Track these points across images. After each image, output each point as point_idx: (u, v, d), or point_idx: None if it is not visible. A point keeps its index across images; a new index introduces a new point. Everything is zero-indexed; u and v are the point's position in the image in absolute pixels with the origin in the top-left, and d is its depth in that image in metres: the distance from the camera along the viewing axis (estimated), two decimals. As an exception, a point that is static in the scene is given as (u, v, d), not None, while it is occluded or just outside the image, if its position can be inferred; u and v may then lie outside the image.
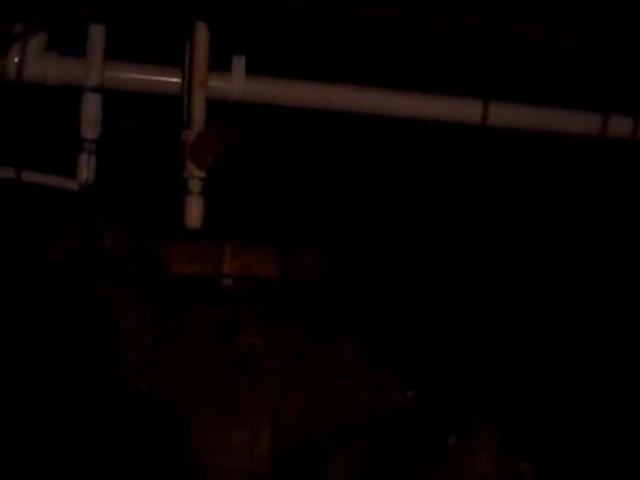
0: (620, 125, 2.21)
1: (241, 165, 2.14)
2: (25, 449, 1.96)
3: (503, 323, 2.25)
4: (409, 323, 2.28)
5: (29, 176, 1.89)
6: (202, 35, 1.87)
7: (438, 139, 2.22)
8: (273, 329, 2.24)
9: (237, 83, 2.00)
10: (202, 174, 1.86)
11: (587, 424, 2.11)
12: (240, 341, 2.23)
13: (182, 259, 2.22)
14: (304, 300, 2.29)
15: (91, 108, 1.86)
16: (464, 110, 2.15)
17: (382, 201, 2.27)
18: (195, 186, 1.86)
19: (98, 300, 2.13)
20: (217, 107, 2.03)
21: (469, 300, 2.27)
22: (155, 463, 2.06)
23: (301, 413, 2.15)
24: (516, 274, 2.25)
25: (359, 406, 2.17)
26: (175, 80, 1.96)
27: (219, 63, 2.04)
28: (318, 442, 2.12)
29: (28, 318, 2.05)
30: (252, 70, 2.05)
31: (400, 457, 2.11)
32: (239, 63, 2.00)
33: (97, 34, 1.88)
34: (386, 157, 2.25)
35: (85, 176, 1.86)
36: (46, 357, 2.05)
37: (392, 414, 2.18)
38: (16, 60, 1.82)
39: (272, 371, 2.17)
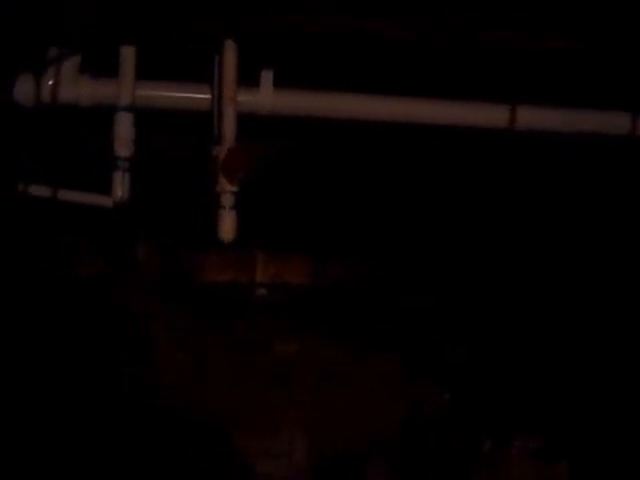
0: (648, 124, 2.20)
1: (273, 176, 2.16)
2: (60, 462, 2.00)
3: (524, 324, 2.24)
4: (436, 332, 2.28)
5: (65, 194, 1.93)
6: (230, 52, 1.91)
7: (457, 149, 2.23)
8: (307, 339, 2.25)
9: (266, 96, 2.03)
10: (234, 188, 1.89)
11: (616, 425, 2.11)
12: (274, 353, 2.24)
13: (215, 269, 2.25)
14: (334, 310, 2.30)
15: (124, 127, 1.90)
16: (492, 115, 2.15)
17: (410, 211, 2.27)
18: (228, 200, 1.89)
19: (132, 313, 2.15)
20: (247, 121, 2.06)
21: (491, 306, 2.27)
22: (199, 474, 2.08)
23: (335, 425, 2.16)
24: (530, 278, 2.25)
25: (392, 417, 2.18)
26: (205, 97, 1.99)
27: (248, 78, 2.06)
28: (352, 453, 2.13)
29: (62, 330, 2.08)
30: (280, 85, 2.07)
31: (434, 466, 2.12)
32: (267, 77, 2.03)
33: (128, 55, 1.92)
34: (408, 168, 2.26)
35: (120, 193, 1.90)
36: (82, 370, 2.09)
37: (425, 424, 2.18)
38: (50, 83, 1.87)
39: (305, 383, 2.19)
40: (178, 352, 2.19)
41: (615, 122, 2.21)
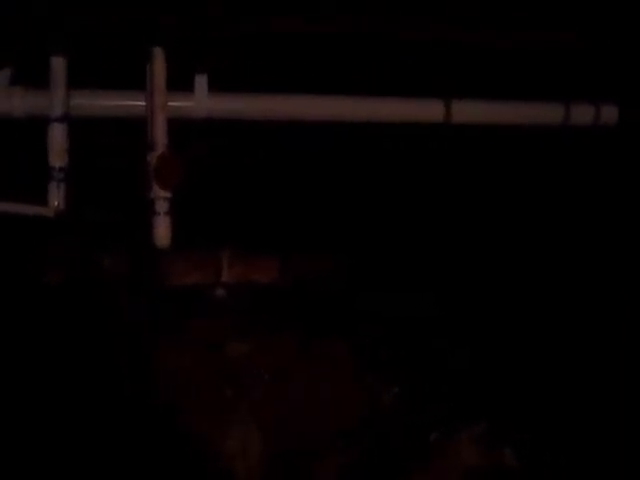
0: (582, 113, 2.23)
1: (238, 170, 2.18)
2: (25, 449, 2.00)
3: (484, 315, 2.27)
4: (392, 320, 2.30)
5: (4, 206, 1.94)
6: (159, 59, 1.92)
7: (400, 144, 2.25)
8: (263, 338, 2.27)
9: (201, 101, 2.04)
10: (167, 194, 1.90)
11: (568, 412, 2.14)
12: (228, 351, 2.26)
13: (180, 270, 2.26)
14: (300, 308, 2.31)
15: (57, 137, 1.92)
16: (427, 110, 2.18)
17: (382, 206, 2.29)
18: (161, 206, 1.91)
19: (98, 315, 2.16)
20: (186, 125, 2.07)
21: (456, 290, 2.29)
22: (157, 468, 2.09)
23: (290, 420, 2.17)
24: (492, 260, 2.28)
25: (348, 411, 2.20)
26: (139, 104, 2.00)
27: (183, 83, 2.07)
28: (307, 450, 2.15)
29: (29, 338, 2.09)
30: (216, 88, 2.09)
31: (387, 458, 2.14)
32: (201, 82, 2.04)
33: (58, 65, 1.93)
34: (387, 159, 2.27)
35: (56, 203, 1.91)
36: (46, 368, 2.10)
37: (381, 415, 2.20)
38: (-19, 97, 1.88)
39: (260, 380, 2.20)
40: (132, 353, 2.18)
41: (548, 112, 2.23)
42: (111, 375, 2.15)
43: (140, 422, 2.13)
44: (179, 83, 2.07)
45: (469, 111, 2.20)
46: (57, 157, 1.92)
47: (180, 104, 2.04)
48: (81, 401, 2.11)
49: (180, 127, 2.06)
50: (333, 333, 2.29)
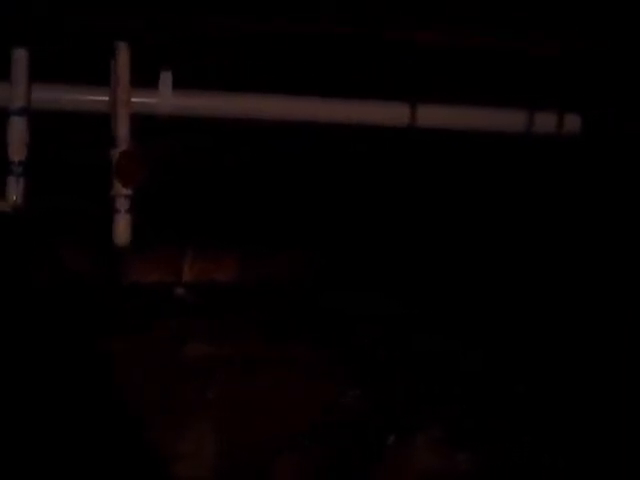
0: (545, 121, 2.24)
1: (201, 169, 2.16)
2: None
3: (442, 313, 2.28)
4: (359, 321, 2.30)
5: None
6: (123, 54, 1.90)
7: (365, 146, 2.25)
8: (222, 337, 2.25)
9: (165, 98, 2.02)
10: (128, 192, 1.88)
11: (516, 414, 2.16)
12: (187, 351, 2.24)
13: (141, 269, 2.24)
14: (262, 308, 2.31)
15: (16, 131, 1.89)
16: (392, 113, 2.18)
17: (344, 207, 2.28)
18: (122, 204, 1.89)
19: (54, 317, 2.12)
20: (151, 122, 2.05)
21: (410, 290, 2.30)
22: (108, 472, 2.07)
23: (249, 420, 2.16)
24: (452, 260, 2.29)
25: (309, 410, 2.19)
26: (102, 99, 1.98)
27: (148, 79, 2.06)
28: (267, 447, 2.14)
29: None
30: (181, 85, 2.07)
31: (348, 459, 2.14)
32: (166, 78, 2.03)
33: (20, 57, 1.90)
34: (353, 159, 2.27)
35: (14, 198, 1.88)
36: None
37: (341, 417, 2.20)
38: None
39: (218, 379, 2.19)
40: (90, 354, 2.16)
41: (512, 119, 2.25)
42: (64, 375, 2.10)
43: (94, 423, 2.10)
44: (144, 80, 2.05)
45: (434, 115, 2.21)
46: (16, 151, 1.89)
47: (144, 100, 2.02)
48: (31, 402, 2.07)
49: (144, 124, 2.04)
50: (295, 333, 2.27)
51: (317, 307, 2.33)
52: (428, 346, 2.30)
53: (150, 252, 2.23)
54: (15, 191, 1.90)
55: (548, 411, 2.14)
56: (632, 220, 2.23)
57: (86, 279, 2.22)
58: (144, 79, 2.06)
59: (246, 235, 2.26)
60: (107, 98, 2.00)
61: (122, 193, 1.88)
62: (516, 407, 2.16)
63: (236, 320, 2.30)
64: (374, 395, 2.22)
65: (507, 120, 2.25)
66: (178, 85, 2.09)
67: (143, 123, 2.04)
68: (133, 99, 1.98)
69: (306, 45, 2.19)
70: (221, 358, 2.23)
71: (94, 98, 2.00)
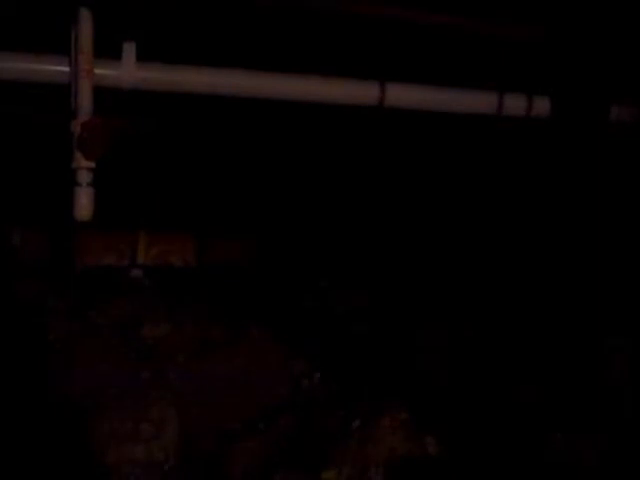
0: (515, 103, 2.23)
1: (155, 151, 2.09)
2: None
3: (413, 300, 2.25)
4: (319, 308, 2.26)
5: None
6: (86, 22, 1.82)
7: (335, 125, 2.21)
8: (179, 319, 2.21)
9: (128, 70, 1.95)
10: (91, 164, 1.81)
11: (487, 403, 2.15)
12: (145, 332, 2.19)
13: (96, 251, 2.17)
14: (217, 289, 2.25)
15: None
16: (361, 91, 2.14)
17: (304, 189, 2.23)
18: (84, 177, 1.81)
19: (10, 297, 2.05)
20: (112, 96, 1.98)
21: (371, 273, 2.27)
22: (60, 459, 2.02)
23: (209, 402, 2.12)
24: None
25: (269, 393, 2.16)
26: (62, 69, 1.90)
27: (110, 51, 1.98)
28: (226, 430, 2.10)
29: None
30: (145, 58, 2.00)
31: (309, 442, 2.11)
32: (129, 50, 1.95)
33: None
34: (289, 143, 2.22)
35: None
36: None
37: (302, 400, 2.17)
38: None
39: (177, 361, 2.14)
40: (49, 334, 2.08)
41: (482, 101, 2.23)
42: (18, 358, 2.03)
43: (52, 407, 2.04)
44: (105, 51, 1.97)
45: (404, 95, 2.18)
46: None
47: (105, 72, 1.94)
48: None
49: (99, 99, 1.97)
50: (252, 316, 2.23)
51: (275, 290, 2.28)
52: (391, 326, 2.28)
53: (104, 235, 2.17)
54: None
55: (515, 391, 2.13)
56: (599, 199, 2.23)
57: (40, 261, 2.16)
58: (105, 50, 1.97)
59: (202, 220, 2.21)
60: (67, 69, 1.91)
61: (84, 166, 1.80)
62: (484, 388, 2.15)
63: (193, 302, 2.25)
64: (335, 378, 2.19)
65: (477, 102, 2.22)
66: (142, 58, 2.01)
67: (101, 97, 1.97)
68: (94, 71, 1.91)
69: (286, 20, 2.13)
70: (179, 339, 2.18)
71: (53, 68, 1.91)
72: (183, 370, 2.16)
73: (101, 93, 1.95)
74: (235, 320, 2.23)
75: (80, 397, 2.06)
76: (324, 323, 2.27)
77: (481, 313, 2.25)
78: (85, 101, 1.82)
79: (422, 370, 2.16)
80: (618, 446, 1.92)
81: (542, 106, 2.25)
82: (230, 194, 2.18)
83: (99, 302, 2.21)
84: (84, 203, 1.81)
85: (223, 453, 2.07)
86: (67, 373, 2.08)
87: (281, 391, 2.17)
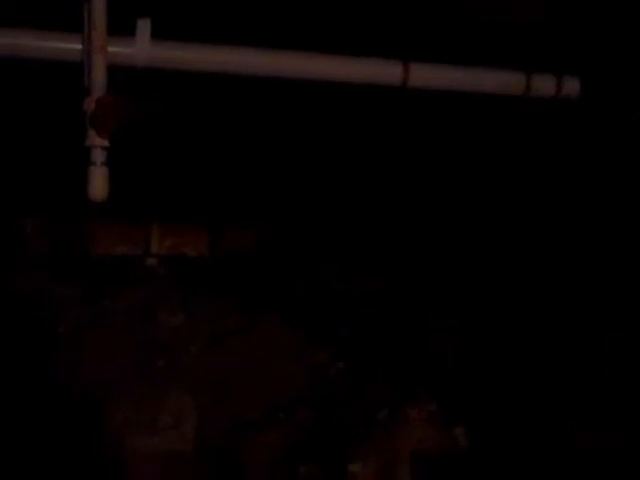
0: (543, 83, 2.15)
1: (165, 139, 2.04)
2: None
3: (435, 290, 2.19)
4: (336, 295, 2.20)
5: None
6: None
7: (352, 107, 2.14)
8: (195, 308, 2.15)
9: (143, 48, 1.89)
10: (105, 143, 1.75)
11: (518, 391, 2.08)
12: (160, 321, 2.13)
13: (108, 240, 2.12)
14: (232, 278, 2.19)
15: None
16: (384, 71, 2.07)
17: (316, 174, 2.17)
18: (98, 156, 1.75)
19: (20, 287, 2.02)
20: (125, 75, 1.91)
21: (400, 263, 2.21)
22: (76, 450, 1.97)
23: (226, 392, 2.07)
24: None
25: (289, 383, 2.10)
26: (75, 47, 1.84)
27: (124, 28, 1.91)
28: (245, 420, 2.04)
29: None
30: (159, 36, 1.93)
31: (332, 434, 2.05)
32: (144, 27, 1.89)
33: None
34: (303, 126, 2.16)
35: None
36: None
37: (324, 390, 2.11)
38: None
39: (192, 350, 2.09)
40: (60, 325, 2.02)
41: (509, 82, 2.16)
42: (34, 347, 1.98)
43: (67, 398, 1.99)
44: (119, 28, 1.90)
45: (428, 75, 2.10)
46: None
47: (119, 49, 1.87)
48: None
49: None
50: (270, 305, 2.18)
51: (291, 277, 2.21)
52: (416, 322, 2.22)
53: (117, 224, 2.11)
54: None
55: (544, 386, 2.06)
56: (629, 182, 2.17)
57: (52, 250, 2.10)
58: (119, 28, 1.90)
59: (215, 209, 2.14)
60: (79, 46, 1.85)
61: (97, 144, 1.74)
62: (513, 382, 2.08)
63: (209, 291, 2.18)
64: (359, 367, 2.13)
65: (504, 82, 2.15)
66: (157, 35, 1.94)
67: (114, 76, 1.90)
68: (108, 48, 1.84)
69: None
70: (195, 328, 2.12)
71: (66, 46, 1.85)
72: (199, 359, 2.10)
73: (113, 72, 1.87)
74: (251, 308, 2.18)
75: (94, 386, 2.01)
76: (345, 308, 2.20)
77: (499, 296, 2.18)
78: (99, 77, 1.76)
79: (445, 356, 2.09)
80: None
81: (572, 86, 2.18)
82: (242, 180, 2.12)
83: (113, 291, 2.15)
84: (99, 182, 1.75)
85: (242, 444, 2.02)
86: (79, 363, 2.04)
87: (301, 380, 2.12)
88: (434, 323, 2.21)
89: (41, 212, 2.06)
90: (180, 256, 2.18)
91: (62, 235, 2.12)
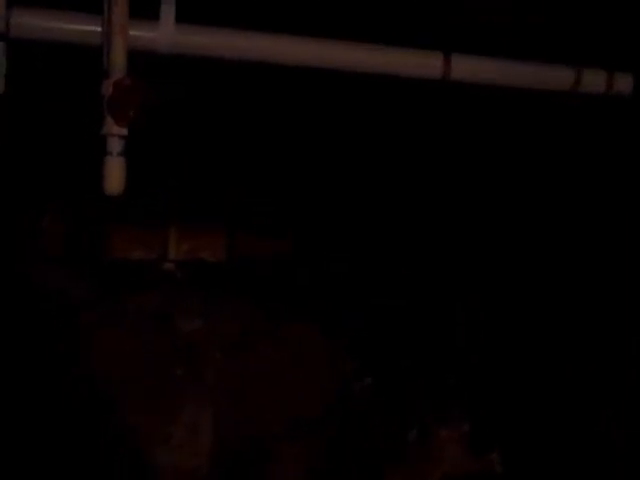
0: (594, 79, 2.03)
1: (185, 130, 1.94)
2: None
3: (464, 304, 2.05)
4: (366, 304, 2.06)
5: None
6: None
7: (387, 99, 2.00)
8: (214, 314, 2.05)
9: (166, 32, 1.76)
10: (123, 131, 1.61)
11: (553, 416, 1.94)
12: (178, 326, 2.01)
13: (125, 243, 2.03)
14: (252, 283, 2.07)
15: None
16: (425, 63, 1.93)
17: (338, 173, 2.05)
18: (115, 145, 1.62)
19: (34, 286, 1.93)
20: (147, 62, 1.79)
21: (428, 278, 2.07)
22: (88, 460, 1.85)
23: (246, 405, 1.94)
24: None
25: (312, 397, 1.97)
26: (94, 28, 1.72)
27: (147, 12, 1.80)
28: (266, 436, 1.91)
29: None
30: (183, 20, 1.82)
31: (358, 452, 1.91)
32: (168, 11, 1.77)
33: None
34: (333, 120, 2.03)
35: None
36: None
37: (351, 404, 1.98)
38: None
39: (213, 358, 1.96)
40: (76, 328, 1.94)
41: (557, 77, 2.04)
42: (49, 353, 1.91)
43: (81, 406, 1.87)
44: (142, 12, 1.78)
45: (470, 68, 1.97)
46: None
47: (141, 33, 1.75)
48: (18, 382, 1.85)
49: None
50: (295, 312, 2.07)
51: (313, 285, 2.08)
52: (448, 337, 2.08)
53: (133, 228, 2.03)
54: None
55: (577, 410, 1.92)
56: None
57: (69, 249, 1.99)
58: (142, 11, 1.78)
59: (232, 214, 2.04)
60: (99, 29, 1.72)
61: (115, 132, 1.60)
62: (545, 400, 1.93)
63: (224, 296, 2.07)
64: (389, 385, 2.00)
65: (552, 77, 2.02)
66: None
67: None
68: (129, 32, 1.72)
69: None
70: (215, 334, 2.01)
71: (84, 28, 1.73)
72: (219, 368, 1.99)
73: (133, 59, 1.75)
74: (275, 315, 2.04)
75: (109, 394, 1.87)
76: (379, 325, 2.06)
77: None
78: (119, 58, 1.63)
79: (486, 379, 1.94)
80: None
81: (624, 83, 2.04)
82: (262, 179, 1.99)
83: (130, 294, 2.06)
84: (115, 175, 1.61)
85: (262, 459, 1.88)
86: (94, 368, 1.94)
87: (326, 392, 1.98)
88: (472, 341, 2.07)
89: (60, 208, 1.96)
90: (198, 260, 2.07)
91: (78, 237, 2.01)
